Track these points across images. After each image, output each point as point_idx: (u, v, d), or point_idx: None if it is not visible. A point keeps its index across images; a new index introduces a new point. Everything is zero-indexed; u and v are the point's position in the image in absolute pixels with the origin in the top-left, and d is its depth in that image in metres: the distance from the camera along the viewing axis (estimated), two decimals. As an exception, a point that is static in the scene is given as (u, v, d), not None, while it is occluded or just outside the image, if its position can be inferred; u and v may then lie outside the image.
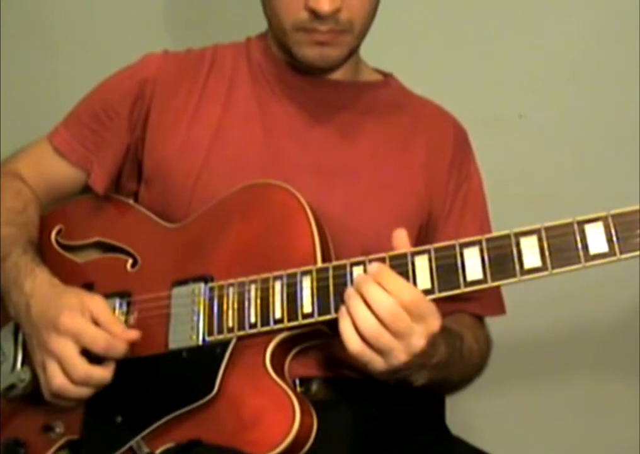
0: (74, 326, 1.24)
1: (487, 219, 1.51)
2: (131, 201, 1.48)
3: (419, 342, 1.13)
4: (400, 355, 1.13)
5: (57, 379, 1.24)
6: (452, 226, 1.46)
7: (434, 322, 1.14)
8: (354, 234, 1.36)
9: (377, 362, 1.14)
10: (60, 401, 1.27)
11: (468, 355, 1.34)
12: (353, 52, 1.43)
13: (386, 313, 1.11)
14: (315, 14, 1.32)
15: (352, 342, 1.13)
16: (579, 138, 1.86)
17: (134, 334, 1.27)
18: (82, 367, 1.23)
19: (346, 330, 1.13)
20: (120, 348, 1.25)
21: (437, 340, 1.17)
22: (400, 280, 1.14)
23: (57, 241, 1.47)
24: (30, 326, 1.29)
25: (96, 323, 1.25)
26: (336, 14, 1.33)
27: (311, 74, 1.45)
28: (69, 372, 1.23)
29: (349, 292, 1.15)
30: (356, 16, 1.36)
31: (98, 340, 1.24)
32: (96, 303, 1.27)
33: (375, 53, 1.51)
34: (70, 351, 1.23)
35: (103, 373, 1.25)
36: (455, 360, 1.27)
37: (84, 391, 1.25)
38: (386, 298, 1.12)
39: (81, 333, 1.24)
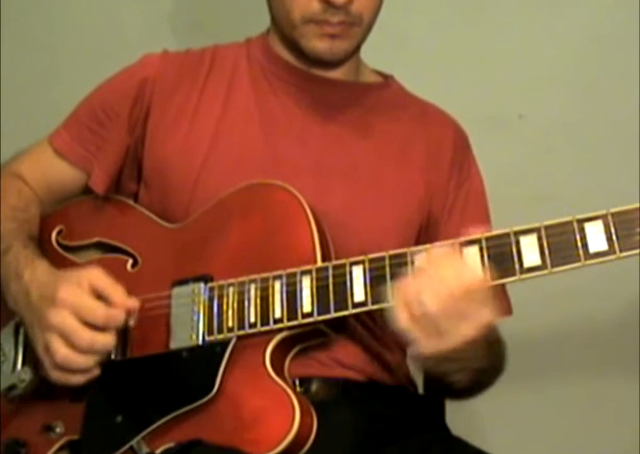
0: (71, 298, 1.23)
1: (488, 219, 1.50)
2: (131, 201, 1.48)
3: (469, 329, 1.10)
4: (449, 340, 1.10)
5: (61, 351, 1.23)
6: (454, 225, 1.45)
7: (489, 313, 1.11)
8: (353, 233, 1.36)
9: (426, 343, 1.11)
10: (68, 376, 1.26)
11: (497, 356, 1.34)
12: (360, 46, 1.44)
13: (438, 292, 1.09)
14: (329, 4, 1.33)
15: (402, 318, 1.11)
16: (579, 138, 1.86)
17: (133, 302, 1.27)
18: (85, 334, 1.23)
19: (397, 306, 1.12)
20: (118, 317, 1.25)
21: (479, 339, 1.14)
22: (464, 263, 1.12)
23: (57, 242, 1.47)
24: (30, 312, 1.28)
25: (96, 292, 1.25)
26: (348, 6, 1.34)
27: (316, 68, 1.45)
28: (73, 341, 1.23)
29: (409, 270, 1.13)
30: (365, 9, 1.38)
31: (96, 311, 1.23)
32: (94, 273, 1.27)
33: (375, 54, 1.51)
34: (70, 321, 1.23)
35: (106, 338, 1.24)
36: (490, 360, 1.27)
37: (90, 360, 1.25)
38: (440, 276, 1.10)
39: (79, 304, 1.23)
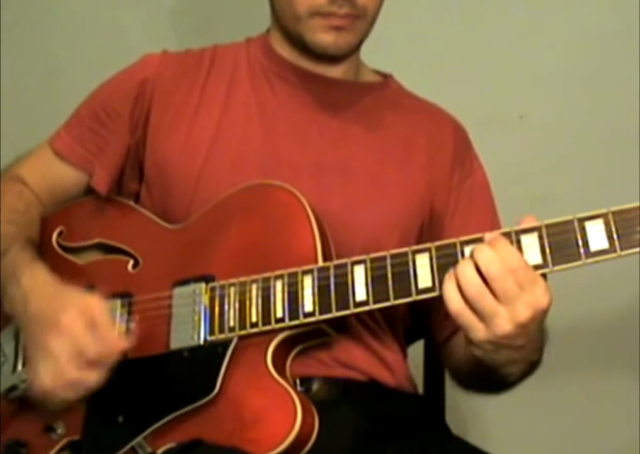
0: (72, 329, 1.22)
1: (495, 211, 1.50)
2: (132, 202, 1.48)
3: (525, 312, 1.09)
4: (503, 323, 1.09)
5: (45, 379, 1.23)
6: (460, 220, 1.46)
7: (543, 297, 1.10)
8: (354, 232, 1.36)
9: (478, 328, 1.11)
10: (46, 401, 1.26)
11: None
12: (362, 41, 1.45)
13: (492, 273, 1.09)
14: None
15: (453, 300, 1.11)
16: (579, 138, 1.87)
17: (126, 343, 1.26)
18: (72, 372, 1.22)
19: (449, 288, 1.11)
20: (111, 357, 1.23)
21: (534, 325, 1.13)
22: (513, 248, 1.11)
23: (58, 243, 1.46)
24: (26, 320, 1.28)
25: (92, 325, 1.23)
26: None
27: (319, 63, 1.45)
28: (59, 374, 1.22)
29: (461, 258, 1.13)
30: (370, 2, 1.39)
31: (91, 348, 1.22)
32: (98, 306, 1.25)
33: (374, 54, 1.52)
34: (63, 354, 1.22)
35: (92, 378, 1.23)
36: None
37: (71, 394, 1.24)
38: (493, 257, 1.09)
39: (78, 338, 1.22)
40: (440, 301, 1.14)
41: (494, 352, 1.16)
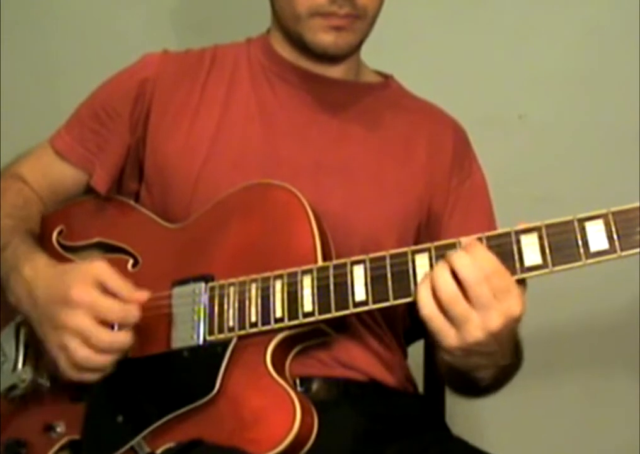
0: (86, 298, 1.22)
1: (492, 213, 1.51)
2: (132, 202, 1.48)
3: (497, 319, 1.09)
4: (474, 330, 1.09)
5: (81, 351, 1.22)
6: (457, 221, 1.46)
7: (516, 306, 1.10)
8: (353, 232, 1.36)
9: (449, 334, 1.10)
10: (84, 374, 1.25)
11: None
12: (363, 42, 1.45)
13: (467, 278, 1.08)
14: None
15: (425, 304, 1.10)
16: (579, 138, 1.87)
17: (142, 295, 1.25)
18: (106, 335, 1.22)
19: (422, 291, 1.11)
20: (134, 313, 1.23)
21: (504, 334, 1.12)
22: (489, 254, 1.10)
23: (57, 242, 1.46)
24: (36, 310, 1.27)
25: (102, 286, 1.24)
26: None
27: (319, 64, 1.45)
28: (93, 341, 1.22)
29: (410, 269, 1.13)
30: (370, 2, 1.40)
31: (113, 310, 1.22)
32: (98, 267, 1.25)
33: (374, 54, 1.52)
34: (87, 322, 1.22)
35: (125, 336, 1.23)
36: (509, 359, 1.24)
37: (109, 359, 1.24)
38: (469, 262, 1.09)
39: (95, 304, 1.22)
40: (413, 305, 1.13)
41: (464, 357, 1.15)
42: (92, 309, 1.22)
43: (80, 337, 1.22)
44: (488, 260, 1.10)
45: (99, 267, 1.25)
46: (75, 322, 1.22)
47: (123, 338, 1.23)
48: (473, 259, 1.09)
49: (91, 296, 1.23)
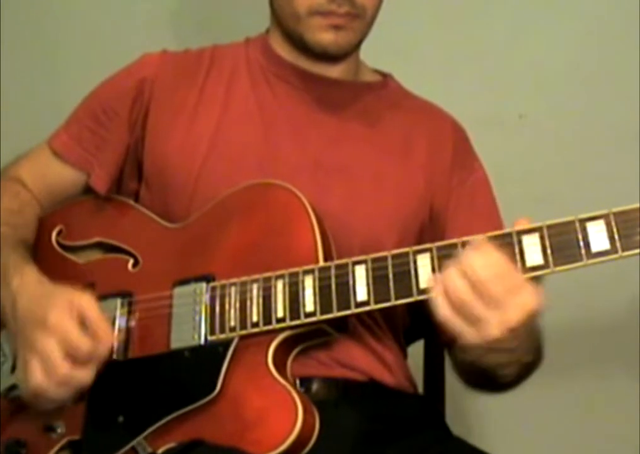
0: (61, 326, 1.21)
1: (497, 210, 1.50)
2: (131, 201, 1.48)
3: (514, 316, 1.09)
4: (492, 328, 1.09)
5: (36, 377, 1.21)
6: (462, 220, 1.45)
7: (531, 300, 1.09)
8: (353, 232, 1.36)
9: (468, 333, 1.10)
10: (38, 400, 1.25)
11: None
12: (362, 41, 1.45)
13: (480, 279, 1.08)
14: None
15: (441, 307, 1.10)
16: (579, 138, 1.87)
17: (115, 338, 1.26)
18: (65, 369, 1.21)
19: (437, 295, 1.11)
20: (102, 354, 1.22)
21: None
22: (499, 253, 1.10)
23: (57, 242, 1.46)
24: (15, 322, 1.27)
25: (82, 322, 1.22)
26: None
27: (319, 63, 1.45)
28: (50, 371, 1.21)
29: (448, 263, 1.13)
30: (368, 2, 1.40)
31: (82, 346, 1.21)
32: (85, 302, 1.24)
33: (375, 54, 1.52)
34: (54, 351, 1.21)
35: (84, 375, 1.22)
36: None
37: (61, 391, 1.23)
38: (480, 264, 1.09)
39: (67, 335, 1.21)
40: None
41: (485, 355, 1.16)
42: (63, 339, 1.21)
43: (42, 364, 1.21)
44: (498, 259, 1.10)
45: (85, 300, 1.24)
46: (42, 347, 1.21)
47: (81, 376, 1.22)
48: (485, 259, 1.09)
49: (66, 326, 1.21)
